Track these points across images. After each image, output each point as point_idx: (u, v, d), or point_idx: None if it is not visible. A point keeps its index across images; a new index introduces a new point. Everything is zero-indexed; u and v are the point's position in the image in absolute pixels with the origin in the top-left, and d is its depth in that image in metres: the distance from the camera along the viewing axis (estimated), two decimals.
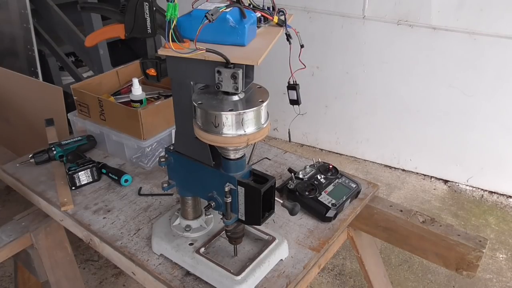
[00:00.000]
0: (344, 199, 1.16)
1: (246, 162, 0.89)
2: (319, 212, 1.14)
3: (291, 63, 0.93)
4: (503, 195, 2.53)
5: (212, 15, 0.73)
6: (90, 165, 1.29)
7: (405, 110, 2.59)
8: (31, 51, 2.58)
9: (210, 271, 0.94)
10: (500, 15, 2.10)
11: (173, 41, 0.77)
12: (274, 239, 1.01)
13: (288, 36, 0.90)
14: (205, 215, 1.06)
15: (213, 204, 0.91)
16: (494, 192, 2.55)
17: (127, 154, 1.39)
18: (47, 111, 1.96)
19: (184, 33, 0.80)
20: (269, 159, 1.43)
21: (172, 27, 0.76)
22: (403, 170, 2.77)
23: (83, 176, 1.28)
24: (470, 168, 2.56)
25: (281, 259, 1.02)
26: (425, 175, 2.71)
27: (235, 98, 0.81)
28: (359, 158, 2.90)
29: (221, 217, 0.92)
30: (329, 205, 1.14)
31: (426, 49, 2.35)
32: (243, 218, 0.89)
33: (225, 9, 0.76)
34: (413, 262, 2.09)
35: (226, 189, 0.86)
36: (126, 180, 1.29)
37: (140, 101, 1.44)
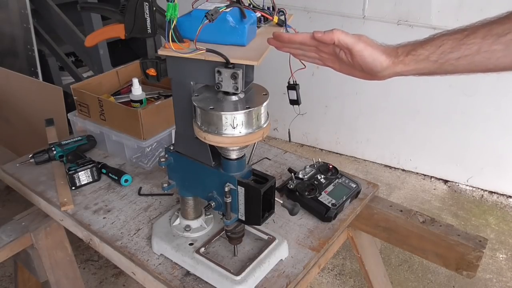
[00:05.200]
0: (344, 199, 1.16)
1: (246, 162, 0.89)
2: (319, 212, 1.14)
3: (291, 63, 0.93)
4: (503, 195, 2.53)
5: (212, 15, 0.73)
6: (90, 165, 1.29)
7: (405, 110, 2.59)
8: (31, 51, 2.59)
9: (210, 271, 0.94)
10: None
11: (173, 41, 0.77)
12: (274, 239, 1.01)
13: None
14: (205, 215, 1.06)
15: (213, 204, 0.91)
16: (494, 192, 2.55)
17: (127, 154, 1.39)
18: (47, 111, 1.96)
19: (184, 33, 0.80)
20: (269, 159, 1.43)
21: (172, 27, 0.76)
22: (403, 170, 2.77)
23: (83, 176, 1.28)
24: (470, 168, 2.56)
25: (281, 259, 1.02)
26: (425, 175, 2.71)
27: (235, 98, 0.81)
28: (359, 158, 2.90)
29: (221, 217, 0.92)
30: (329, 205, 1.14)
31: None
32: (243, 218, 0.89)
33: (225, 9, 0.76)
34: (413, 262, 2.09)
35: (226, 189, 0.86)
36: (126, 180, 1.29)
37: (140, 101, 1.44)
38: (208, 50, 0.75)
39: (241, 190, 0.86)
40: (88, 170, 1.28)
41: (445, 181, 2.65)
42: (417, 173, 2.73)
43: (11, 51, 2.66)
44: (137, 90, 1.43)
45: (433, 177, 2.69)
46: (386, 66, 0.73)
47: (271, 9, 0.93)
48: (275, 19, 0.91)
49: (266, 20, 0.91)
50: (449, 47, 0.68)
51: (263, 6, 0.91)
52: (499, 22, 0.67)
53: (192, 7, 0.82)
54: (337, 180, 1.23)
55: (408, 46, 0.73)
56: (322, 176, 1.23)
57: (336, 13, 2.54)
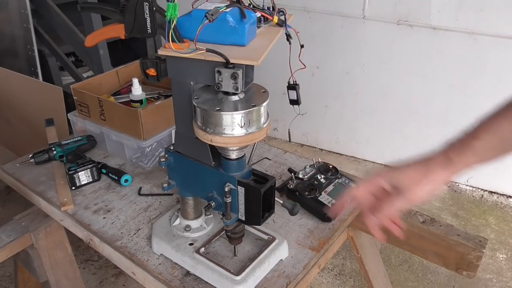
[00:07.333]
0: None
1: (246, 162, 0.89)
2: (319, 212, 1.14)
3: (291, 63, 0.93)
4: (503, 195, 2.53)
5: (212, 15, 0.73)
6: (90, 165, 1.29)
7: (405, 110, 2.59)
8: (31, 51, 2.59)
9: (210, 271, 0.94)
10: (500, 15, 2.10)
11: (173, 41, 0.77)
12: (274, 239, 1.01)
13: (288, 36, 0.90)
14: (205, 215, 1.06)
15: (213, 204, 0.91)
16: (494, 192, 2.55)
17: (127, 154, 1.39)
18: (47, 111, 1.96)
19: (184, 33, 0.80)
20: (269, 159, 1.43)
21: (172, 27, 0.76)
22: None
23: (83, 176, 1.28)
24: None
25: (281, 259, 1.02)
26: None
27: (235, 98, 0.81)
28: (359, 158, 2.90)
29: (221, 217, 0.92)
30: (329, 205, 1.14)
31: (426, 49, 2.35)
32: (243, 218, 0.89)
33: (225, 9, 0.76)
34: (413, 262, 2.09)
35: (226, 189, 0.86)
36: (126, 180, 1.29)
37: (140, 101, 1.44)
38: (208, 50, 0.75)
39: (241, 190, 0.86)
40: (88, 170, 1.28)
41: None
42: None
43: (11, 51, 2.66)
44: (137, 90, 1.43)
45: None
46: (444, 179, 0.69)
47: (271, 9, 0.93)
48: (275, 19, 0.91)
49: (266, 20, 0.91)
50: (508, 129, 0.63)
51: (263, 6, 0.91)
52: None
53: (192, 7, 0.82)
54: (337, 180, 1.23)
55: (457, 145, 0.68)
56: (322, 176, 1.23)
57: (336, 13, 2.54)
